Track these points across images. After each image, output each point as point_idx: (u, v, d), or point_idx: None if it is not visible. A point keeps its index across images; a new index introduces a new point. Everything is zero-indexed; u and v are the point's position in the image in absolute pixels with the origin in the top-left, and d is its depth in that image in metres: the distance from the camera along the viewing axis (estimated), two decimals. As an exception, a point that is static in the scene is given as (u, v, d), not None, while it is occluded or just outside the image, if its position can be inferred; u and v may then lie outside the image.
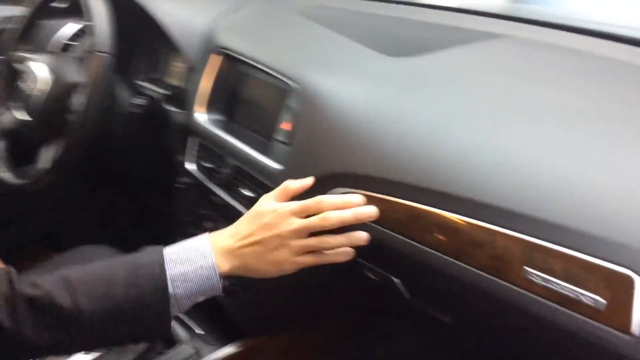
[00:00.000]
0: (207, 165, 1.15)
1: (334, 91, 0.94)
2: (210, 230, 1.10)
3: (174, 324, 1.10)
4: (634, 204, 0.63)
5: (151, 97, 1.41)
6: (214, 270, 0.79)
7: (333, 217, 0.80)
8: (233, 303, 1.06)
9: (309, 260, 0.83)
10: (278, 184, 0.97)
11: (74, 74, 1.23)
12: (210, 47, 1.22)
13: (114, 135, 1.39)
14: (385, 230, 0.82)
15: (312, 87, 0.96)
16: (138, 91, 1.45)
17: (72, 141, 1.18)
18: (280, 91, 1.05)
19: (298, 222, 0.81)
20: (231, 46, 1.18)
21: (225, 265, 0.80)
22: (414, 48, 1.03)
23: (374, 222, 0.84)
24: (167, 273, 0.76)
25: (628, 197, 0.64)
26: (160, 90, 1.45)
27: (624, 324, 0.60)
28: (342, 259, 0.84)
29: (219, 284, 0.80)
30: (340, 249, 0.84)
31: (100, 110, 1.21)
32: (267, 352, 1.13)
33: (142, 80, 1.51)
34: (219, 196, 1.11)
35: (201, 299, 0.79)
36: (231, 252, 0.81)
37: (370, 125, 0.88)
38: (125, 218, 1.52)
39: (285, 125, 1.00)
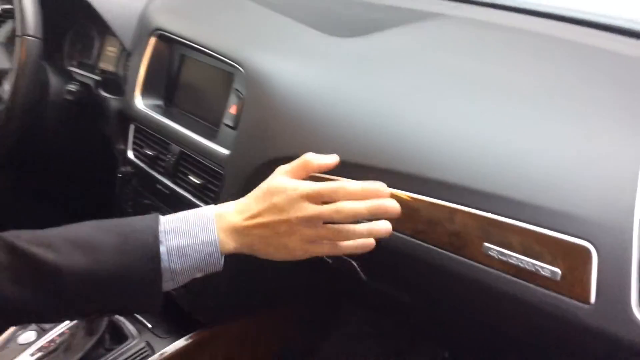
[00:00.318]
0: (149, 152, 1.11)
1: (281, 73, 0.92)
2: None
3: (122, 318, 1.06)
4: (589, 178, 0.64)
5: (84, 84, 1.34)
6: (217, 247, 0.71)
7: (346, 209, 0.69)
8: (185, 293, 1.03)
9: (324, 249, 0.74)
10: (227, 170, 0.94)
11: (-1, 60, 1.16)
12: (147, 29, 1.17)
13: (47, 124, 1.32)
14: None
15: (258, 70, 0.93)
16: (71, 78, 1.38)
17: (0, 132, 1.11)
18: (225, 74, 1.01)
19: (310, 210, 0.70)
20: (170, 28, 1.13)
21: (229, 244, 0.72)
22: (359, 29, 1.02)
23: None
24: (165, 245, 0.69)
25: (582, 171, 0.65)
26: (94, 77, 1.38)
27: (583, 294, 0.61)
28: (361, 251, 0.75)
29: (220, 262, 0.73)
30: (359, 240, 0.74)
31: (30, 99, 1.14)
32: (221, 342, 1.10)
33: (74, 67, 1.44)
34: (164, 184, 1.07)
35: (199, 275, 0.73)
36: (237, 231, 0.73)
37: (318, 106, 0.87)
38: (63, 211, 1.45)
39: (232, 109, 0.97)
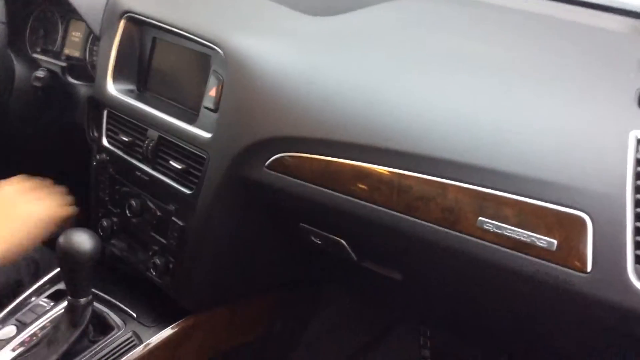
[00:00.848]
0: (125, 139, 1.08)
1: (261, 54, 0.90)
2: (136, 208, 1.06)
3: (106, 309, 1.04)
4: (580, 149, 0.65)
5: (51, 71, 1.30)
6: None
7: None
8: (170, 281, 1.01)
9: None
10: (210, 154, 0.93)
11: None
12: (117, 12, 1.13)
13: (14, 113, 1.27)
14: (332, 192, 0.80)
15: (238, 51, 0.91)
16: (37, 65, 1.33)
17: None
18: (201, 56, 0.99)
19: None
20: (141, 10, 1.10)
21: None
22: (339, 7, 1.01)
23: (318, 183, 0.82)
24: None
25: (574, 142, 0.66)
26: (60, 63, 1.34)
27: (579, 263, 0.62)
28: None
29: None
30: None
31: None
32: (207, 329, 1.09)
33: (38, 54, 1.39)
34: (143, 171, 1.04)
35: None
36: None
37: (299, 86, 0.86)
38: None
39: (212, 92, 0.95)
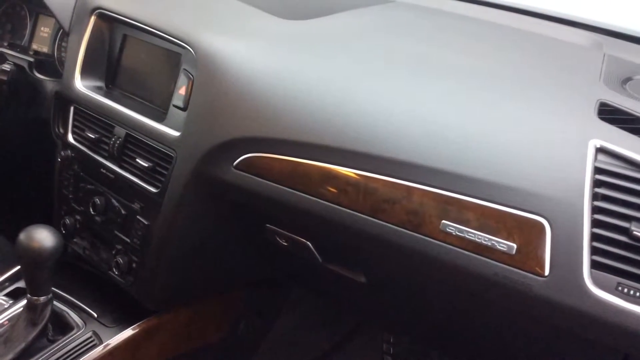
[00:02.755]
0: (91, 136, 1.07)
1: (232, 54, 0.90)
2: (100, 206, 1.05)
3: (66, 308, 1.02)
4: (541, 156, 0.67)
5: (18, 65, 1.28)
6: None
7: None
8: (133, 281, 1.00)
9: None
10: (178, 152, 0.92)
11: None
12: (87, 8, 1.12)
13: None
14: (299, 193, 0.81)
15: (209, 51, 0.91)
16: (2, 59, 1.31)
17: None
18: (172, 54, 0.99)
19: None
20: (112, 7, 1.09)
21: None
22: (309, 11, 1.02)
23: (286, 184, 0.82)
24: None
25: (535, 149, 0.67)
26: (27, 58, 1.32)
27: (537, 267, 0.64)
28: None
29: None
30: None
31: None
32: (170, 329, 1.08)
33: (4, 48, 1.36)
34: (109, 168, 1.03)
35: None
36: None
37: (269, 87, 0.86)
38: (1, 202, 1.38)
39: (181, 90, 0.95)
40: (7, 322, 1.00)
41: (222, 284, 1.13)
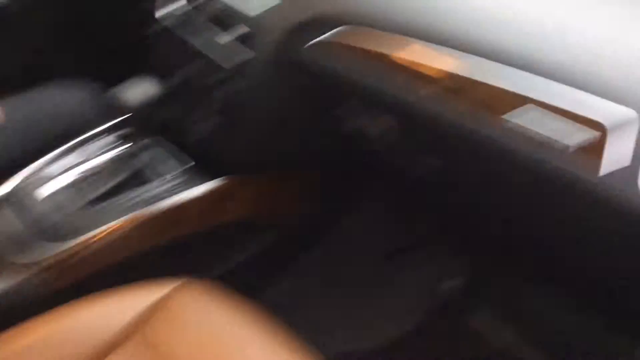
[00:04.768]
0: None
1: None
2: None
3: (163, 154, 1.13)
4: (607, 54, 0.66)
5: None
6: None
7: None
8: (216, 140, 1.08)
9: None
10: (257, 29, 0.95)
11: None
12: None
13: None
14: (378, 75, 0.83)
15: None
16: None
17: None
18: None
19: None
20: None
21: None
22: None
23: (365, 65, 0.84)
24: None
25: (603, 48, 0.67)
26: None
27: (594, 166, 0.64)
28: None
29: None
30: None
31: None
32: (250, 190, 1.15)
33: None
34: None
35: None
36: None
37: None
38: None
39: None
40: (110, 160, 1.12)
41: (300, 160, 1.19)
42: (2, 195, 1.06)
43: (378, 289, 1.36)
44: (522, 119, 0.69)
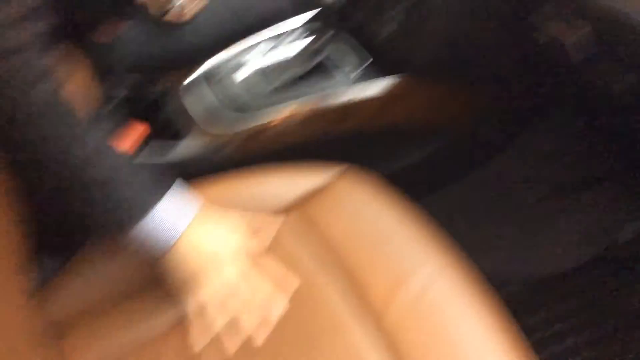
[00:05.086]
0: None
1: None
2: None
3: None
4: None
5: None
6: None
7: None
8: (405, 40, 1.09)
9: None
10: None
11: None
12: None
13: None
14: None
15: None
16: None
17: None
18: None
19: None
20: None
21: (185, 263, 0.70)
22: None
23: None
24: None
25: None
26: None
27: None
28: None
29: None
30: None
31: None
32: (424, 90, 1.16)
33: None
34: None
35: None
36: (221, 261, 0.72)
37: None
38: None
39: None
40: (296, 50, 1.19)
41: (480, 72, 1.16)
42: (201, 74, 1.17)
43: (548, 220, 1.31)
44: None
